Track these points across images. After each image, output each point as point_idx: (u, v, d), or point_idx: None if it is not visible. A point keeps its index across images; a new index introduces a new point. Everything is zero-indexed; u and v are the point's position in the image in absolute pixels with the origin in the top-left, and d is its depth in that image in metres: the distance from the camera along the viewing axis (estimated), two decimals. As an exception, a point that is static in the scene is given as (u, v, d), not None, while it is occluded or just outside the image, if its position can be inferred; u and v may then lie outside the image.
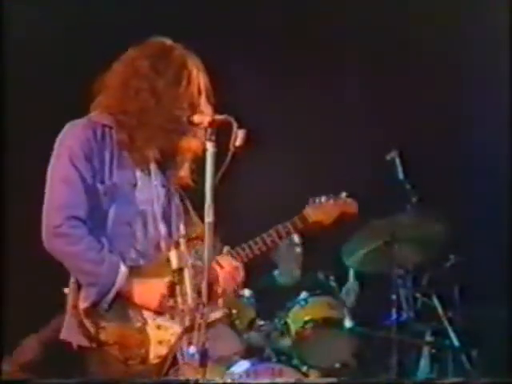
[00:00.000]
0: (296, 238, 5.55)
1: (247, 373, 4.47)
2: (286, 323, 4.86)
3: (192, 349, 4.22)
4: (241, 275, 3.19)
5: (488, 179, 5.42)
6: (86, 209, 2.95)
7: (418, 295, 5.01)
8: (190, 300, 3.02)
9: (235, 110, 2.88)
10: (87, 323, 2.91)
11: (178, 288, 3.04)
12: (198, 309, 2.79)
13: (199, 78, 3.11)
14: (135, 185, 3.07)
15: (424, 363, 5.11)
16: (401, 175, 4.95)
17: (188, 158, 3.15)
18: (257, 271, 5.42)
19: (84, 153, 2.97)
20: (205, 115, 2.98)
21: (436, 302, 4.91)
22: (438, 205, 4.77)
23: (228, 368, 4.50)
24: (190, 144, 3.09)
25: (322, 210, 3.34)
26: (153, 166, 3.13)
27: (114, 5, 5.41)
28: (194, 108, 3.05)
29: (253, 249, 3.22)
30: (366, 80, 5.84)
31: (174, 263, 3.05)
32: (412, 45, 5.69)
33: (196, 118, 3.00)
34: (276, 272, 5.63)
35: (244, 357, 4.64)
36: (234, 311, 4.73)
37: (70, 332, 2.99)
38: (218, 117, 2.93)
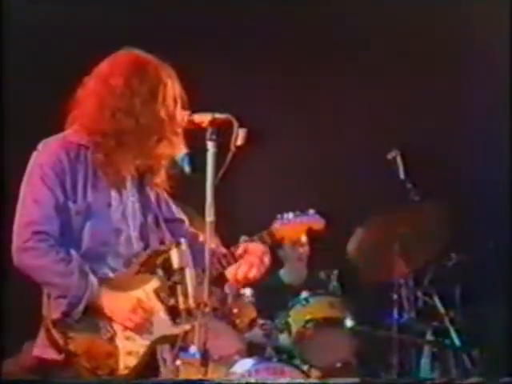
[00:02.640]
0: (303, 237, 5.53)
1: (249, 372, 4.47)
2: (287, 322, 4.86)
3: (193, 348, 4.25)
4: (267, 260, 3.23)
5: (490, 179, 5.41)
6: (54, 226, 2.95)
7: (419, 294, 5.00)
8: (191, 300, 3.03)
9: (235, 109, 2.89)
10: (55, 334, 2.92)
11: (179, 288, 3.05)
12: (199, 308, 2.81)
13: (174, 88, 3.09)
14: (110, 204, 3.07)
15: (425, 362, 5.10)
16: (402, 174, 4.95)
17: (163, 164, 3.13)
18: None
19: (55, 173, 2.96)
20: (205, 114, 2.97)
21: (437, 301, 4.90)
22: (439, 204, 4.78)
23: (229, 368, 4.50)
24: (166, 150, 3.08)
25: (289, 226, 3.38)
26: (128, 183, 3.13)
27: (114, 5, 5.40)
28: (171, 117, 3.05)
29: (221, 262, 3.21)
30: (367, 79, 5.83)
31: (175, 262, 3.05)
32: (413, 43, 5.68)
33: (196, 118, 3.00)
34: (282, 271, 5.62)
35: (245, 356, 4.63)
36: (235, 310, 4.73)
37: (41, 347, 3.00)
38: (219, 116, 2.93)
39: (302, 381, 4.39)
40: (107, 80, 3.03)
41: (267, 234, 3.31)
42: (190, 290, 3.04)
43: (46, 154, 3.01)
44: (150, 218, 3.18)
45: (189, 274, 3.02)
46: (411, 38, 5.65)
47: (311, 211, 3.45)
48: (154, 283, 3.08)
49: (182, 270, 3.08)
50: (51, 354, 2.94)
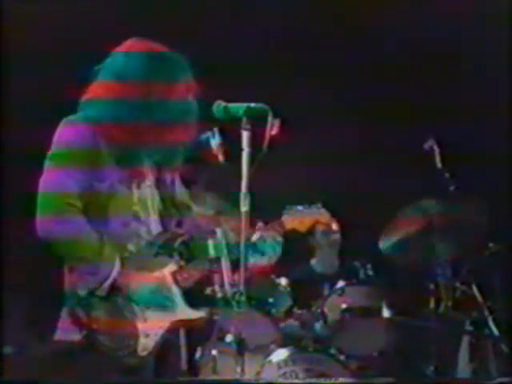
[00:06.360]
0: (335, 225, 5.55)
1: (285, 362, 4.48)
2: (323, 312, 4.86)
3: (229, 337, 4.29)
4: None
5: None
6: (84, 203, 2.98)
7: (457, 284, 4.96)
8: (227, 287, 3.05)
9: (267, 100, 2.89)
10: (79, 312, 2.94)
11: (215, 276, 3.07)
12: (235, 297, 2.82)
13: (187, 78, 3.11)
14: (130, 187, 3.09)
15: (463, 353, 5.06)
16: (439, 164, 4.90)
17: (179, 149, 3.15)
18: (293, 260, 5.46)
19: (85, 150, 2.98)
20: (240, 104, 2.98)
21: (475, 290, 4.86)
22: (476, 193, 4.73)
23: (265, 357, 4.51)
24: (180, 136, 3.10)
25: (298, 218, 3.46)
26: (145, 170, 3.16)
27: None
28: (186, 108, 3.08)
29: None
30: (403, 67, 5.79)
31: (212, 252, 3.07)
32: (449, 33, 5.64)
33: (231, 108, 3.01)
34: (313, 261, 5.63)
35: (281, 345, 4.64)
36: (271, 300, 4.75)
37: (62, 330, 3.01)
38: (254, 105, 2.94)
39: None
40: (123, 75, 3.03)
41: (277, 225, 3.38)
42: (226, 278, 3.06)
43: (72, 130, 3.02)
44: (167, 201, 3.21)
45: (224, 262, 3.04)
46: (449, 28, 5.62)
47: (319, 204, 3.51)
48: (172, 266, 3.13)
49: (218, 258, 3.11)
50: (73, 336, 2.95)
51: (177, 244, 3.17)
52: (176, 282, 3.11)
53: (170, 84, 3.06)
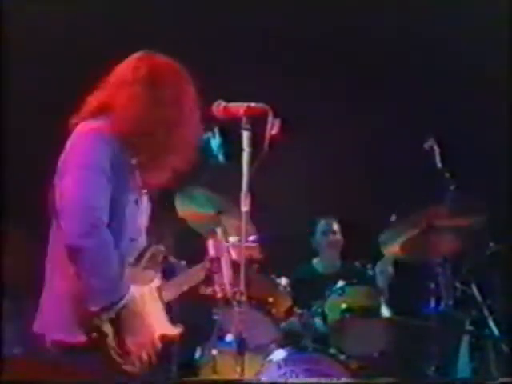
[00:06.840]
0: (335, 226, 5.56)
1: (285, 362, 4.48)
2: (323, 312, 4.86)
3: (229, 337, 4.29)
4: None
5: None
6: (108, 216, 2.89)
7: (457, 284, 4.96)
8: (227, 289, 3.05)
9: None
10: (88, 314, 2.82)
11: (215, 276, 3.08)
12: (235, 297, 2.82)
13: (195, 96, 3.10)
14: (137, 201, 3.05)
15: (464, 352, 5.07)
16: (439, 163, 4.91)
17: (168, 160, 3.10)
18: (293, 260, 5.47)
19: (114, 162, 2.90)
20: (241, 104, 2.98)
21: (475, 290, 4.86)
22: (476, 192, 4.73)
23: (265, 357, 4.51)
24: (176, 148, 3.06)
25: (236, 249, 3.43)
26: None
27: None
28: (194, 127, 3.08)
29: None
30: (404, 67, 5.80)
31: (212, 252, 3.07)
32: (448, 34, 5.65)
33: (232, 107, 3.01)
34: (315, 261, 5.63)
35: (281, 345, 4.64)
36: (270, 299, 4.75)
37: (64, 329, 2.88)
38: (254, 105, 2.94)
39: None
40: (153, 89, 2.97)
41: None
42: (227, 278, 3.06)
43: (101, 140, 2.91)
44: (152, 214, 3.20)
45: (225, 263, 3.04)
46: (449, 28, 5.63)
47: (251, 238, 3.49)
48: (157, 281, 3.12)
49: (218, 259, 3.11)
50: (77, 338, 2.83)
51: (159, 259, 3.13)
52: (160, 297, 3.10)
53: (195, 103, 3.04)
